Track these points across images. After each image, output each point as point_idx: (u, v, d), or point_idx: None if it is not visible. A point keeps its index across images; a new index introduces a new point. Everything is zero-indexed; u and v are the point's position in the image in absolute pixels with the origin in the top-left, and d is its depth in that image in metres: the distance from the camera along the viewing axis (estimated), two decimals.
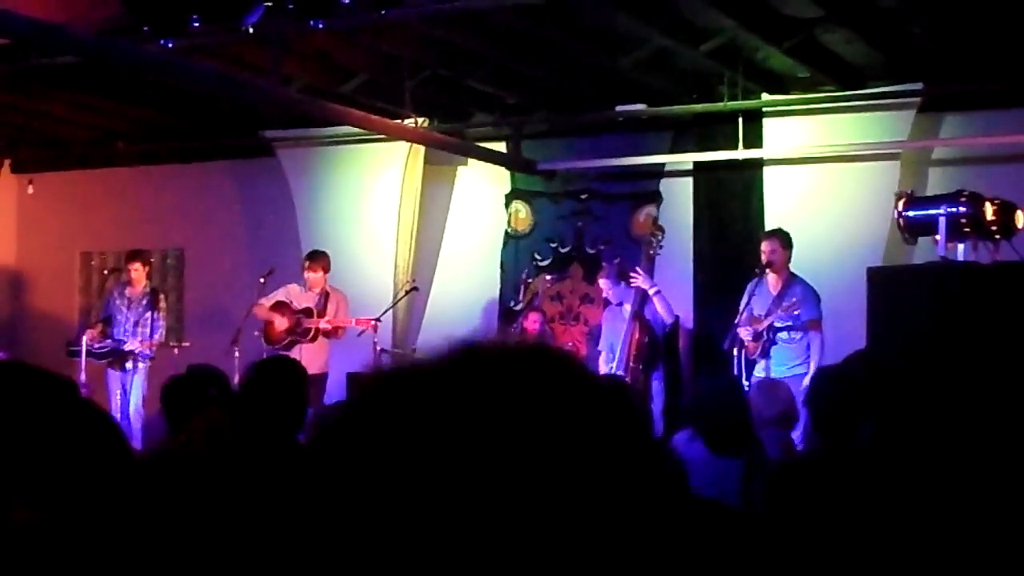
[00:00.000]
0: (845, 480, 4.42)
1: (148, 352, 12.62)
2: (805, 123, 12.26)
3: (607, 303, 11.86)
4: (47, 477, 2.20)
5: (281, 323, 12.57)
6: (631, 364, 11.05)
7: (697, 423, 6.85)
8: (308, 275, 12.69)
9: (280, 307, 12.58)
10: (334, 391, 12.89)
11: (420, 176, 13.70)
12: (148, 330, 12.70)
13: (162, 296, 13.32)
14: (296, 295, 12.64)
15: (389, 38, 10.82)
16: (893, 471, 3.97)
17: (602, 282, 11.74)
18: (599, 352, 11.60)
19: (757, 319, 10.58)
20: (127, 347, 12.62)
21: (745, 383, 10.21)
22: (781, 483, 4.73)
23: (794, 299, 10.43)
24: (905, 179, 11.51)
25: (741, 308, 10.65)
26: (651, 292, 11.24)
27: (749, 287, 10.75)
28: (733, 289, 11.27)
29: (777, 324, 10.44)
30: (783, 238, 10.81)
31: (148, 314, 12.75)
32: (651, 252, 11.57)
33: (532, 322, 12.44)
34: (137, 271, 13.09)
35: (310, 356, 12.60)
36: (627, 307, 11.40)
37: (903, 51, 11.06)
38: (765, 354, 10.46)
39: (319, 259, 12.74)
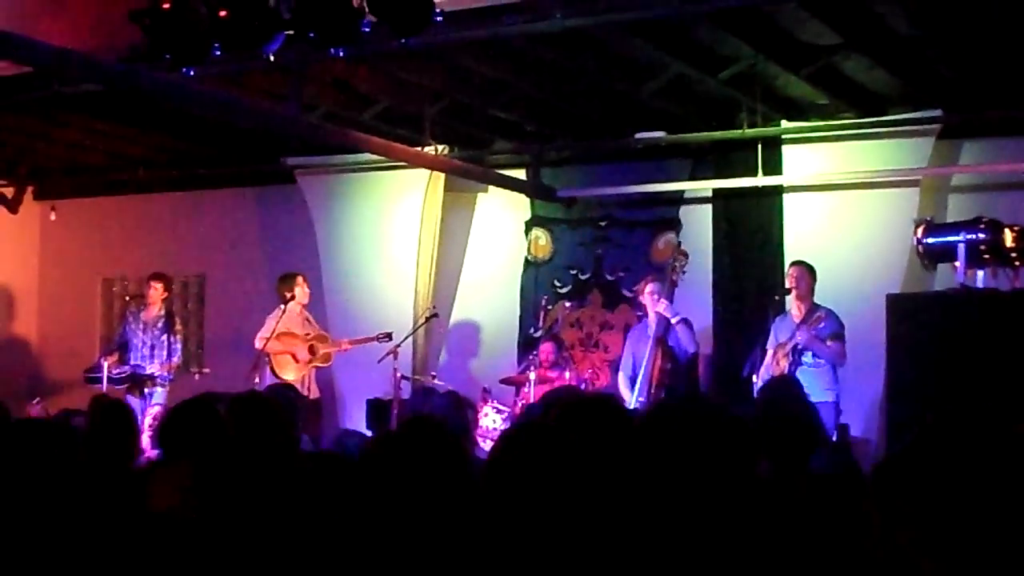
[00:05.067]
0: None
1: (167, 375, 12.66)
2: (824, 150, 12.25)
3: (633, 322, 11.90)
4: None
5: (300, 355, 12.63)
6: (653, 390, 11.03)
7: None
8: (307, 290, 12.80)
9: (285, 337, 12.59)
10: (356, 416, 12.98)
11: (440, 203, 13.74)
12: (166, 353, 12.73)
13: (177, 319, 13.36)
14: (288, 322, 12.66)
15: (409, 66, 10.85)
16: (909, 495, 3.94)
17: (652, 286, 11.52)
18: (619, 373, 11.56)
19: (782, 345, 10.54)
20: (147, 370, 12.66)
21: None
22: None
23: (818, 314, 10.41)
24: (924, 206, 11.50)
25: (766, 347, 10.61)
26: (674, 321, 11.22)
27: (771, 324, 10.72)
28: (752, 315, 11.28)
29: (800, 342, 10.39)
30: (810, 268, 10.80)
31: (164, 337, 12.79)
32: (674, 278, 11.55)
33: (545, 352, 12.39)
34: (155, 290, 13.13)
35: (315, 382, 12.81)
36: (653, 327, 11.35)
37: (922, 78, 11.05)
38: None
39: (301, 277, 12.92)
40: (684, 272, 11.58)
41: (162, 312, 13.07)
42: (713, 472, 2.67)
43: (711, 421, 2.77)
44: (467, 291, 14.28)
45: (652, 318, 11.37)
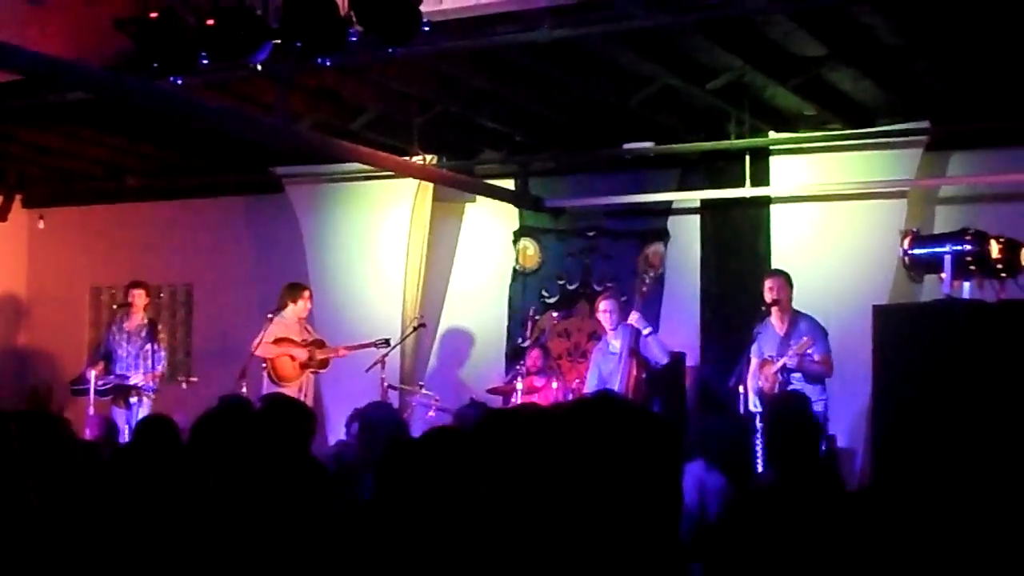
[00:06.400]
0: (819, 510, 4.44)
1: (151, 385, 12.60)
2: (812, 161, 12.27)
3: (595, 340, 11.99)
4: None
5: (298, 355, 12.67)
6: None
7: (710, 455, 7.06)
8: (310, 305, 12.87)
9: (283, 343, 12.64)
10: (340, 426, 12.93)
11: (428, 213, 13.74)
12: (150, 362, 12.67)
13: (160, 327, 13.32)
14: (286, 329, 12.71)
15: (397, 75, 10.87)
16: (892, 506, 3.97)
17: (604, 303, 11.69)
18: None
19: (768, 361, 10.57)
20: (131, 381, 12.61)
21: (759, 425, 10.30)
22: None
23: (804, 338, 10.42)
24: (912, 217, 11.52)
25: (751, 355, 10.63)
26: (644, 332, 11.29)
27: (754, 332, 10.72)
28: (739, 326, 11.27)
29: (790, 365, 10.43)
30: (787, 277, 10.87)
31: (148, 346, 12.72)
32: (644, 289, 11.62)
33: (532, 359, 12.43)
34: (139, 296, 13.08)
35: (312, 389, 12.82)
36: (615, 343, 11.44)
37: (910, 90, 11.09)
38: None
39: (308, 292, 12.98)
40: (652, 283, 11.67)
41: (145, 321, 13.02)
42: (622, 472, 2.65)
43: (625, 420, 2.74)
44: (455, 301, 14.28)
45: (611, 334, 11.52)
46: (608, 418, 2.70)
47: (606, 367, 11.48)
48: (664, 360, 11.34)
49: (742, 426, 8.76)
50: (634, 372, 11.25)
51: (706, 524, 6.64)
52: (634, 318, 11.33)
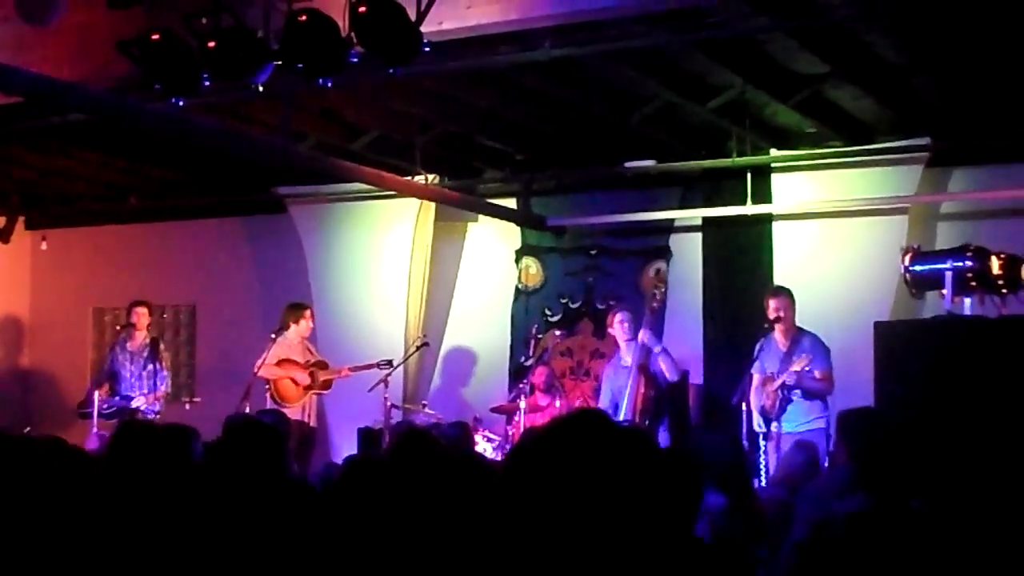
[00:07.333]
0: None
1: (154, 407, 12.60)
2: (813, 178, 12.29)
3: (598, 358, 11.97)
4: None
5: (300, 379, 12.67)
6: (638, 418, 11.05)
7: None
8: (312, 324, 12.89)
9: (286, 364, 12.65)
10: (345, 445, 12.96)
11: (431, 232, 13.76)
12: (153, 382, 12.66)
13: (163, 345, 13.32)
14: (289, 350, 12.73)
15: (399, 96, 10.88)
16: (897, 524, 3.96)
17: (620, 315, 11.67)
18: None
19: (770, 378, 10.57)
20: (133, 404, 12.60)
21: (762, 442, 10.32)
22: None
23: (804, 355, 10.42)
24: (913, 234, 11.52)
25: (753, 372, 10.64)
26: (656, 351, 11.28)
27: (756, 348, 10.74)
28: (742, 344, 11.28)
29: (789, 383, 10.43)
30: (789, 294, 10.85)
31: (151, 366, 12.73)
32: (654, 305, 11.62)
33: (539, 376, 12.44)
34: (142, 315, 13.11)
35: (315, 410, 12.83)
36: (627, 358, 11.42)
37: (910, 106, 11.10)
38: (781, 410, 10.46)
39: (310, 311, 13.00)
40: (662, 299, 11.67)
41: (147, 340, 13.04)
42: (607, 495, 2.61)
43: (607, 438, 2.70)
44: (458, 320, 14.29)
45: (624, 348, 11.50)
46: (589, 436, 2.66)
47: (616, 382, 11.44)
48: (675, 378, 11.34)
49: (735, 444, 8.74)
50: (643, 389, 11.23)
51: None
52: (644, 336, 11.33)
